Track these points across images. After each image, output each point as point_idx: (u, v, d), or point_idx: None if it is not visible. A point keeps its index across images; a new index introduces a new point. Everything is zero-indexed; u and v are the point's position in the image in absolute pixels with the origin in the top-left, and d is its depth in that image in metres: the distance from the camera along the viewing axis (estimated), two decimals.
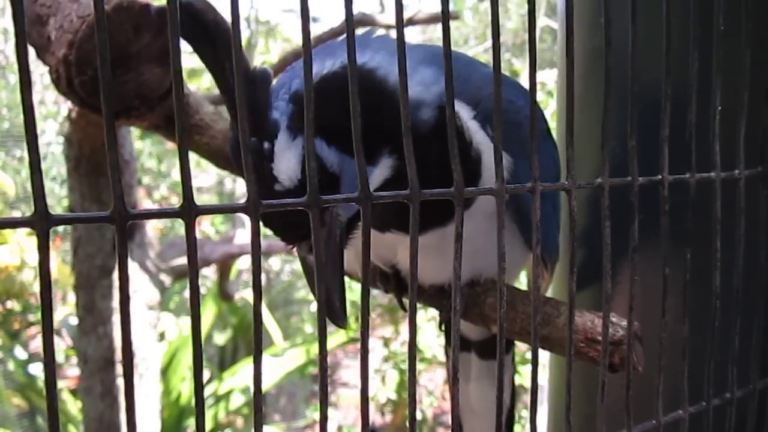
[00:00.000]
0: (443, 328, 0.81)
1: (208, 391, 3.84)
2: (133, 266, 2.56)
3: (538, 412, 0.43)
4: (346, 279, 0.68)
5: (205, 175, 6.19)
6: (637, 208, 0.47)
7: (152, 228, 4.96)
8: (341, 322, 0.61)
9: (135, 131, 3.93)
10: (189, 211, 0.31)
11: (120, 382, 2.57)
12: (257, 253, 0.32)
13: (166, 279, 2.76)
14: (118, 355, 2.56)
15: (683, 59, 0.50)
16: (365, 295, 0.36)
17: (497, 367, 0.40)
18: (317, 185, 0.34)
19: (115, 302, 2.51)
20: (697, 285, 0.52)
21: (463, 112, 0.65)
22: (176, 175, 5.56)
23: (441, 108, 0.63)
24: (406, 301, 0.79)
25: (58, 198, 4.83)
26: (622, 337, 0.59)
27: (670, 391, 0.52)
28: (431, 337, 4.02)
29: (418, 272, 0.74)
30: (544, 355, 0.85)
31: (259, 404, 0.34)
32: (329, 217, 0.61)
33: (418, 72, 0.63)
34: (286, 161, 0.60)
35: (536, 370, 0.42)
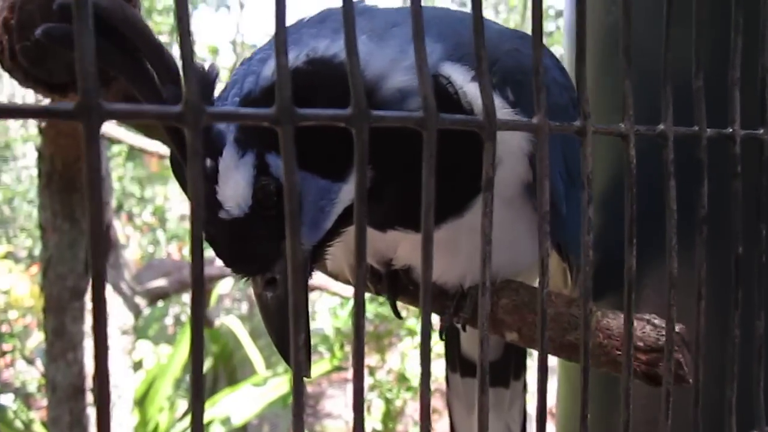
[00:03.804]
0: (443, 337, 0.70)
1: (185, 423, 3.68)
2: (106, 288, 2.43)
3: None
4: (335, 288, 0.58)
5: (188, 203, 6.06)
6: (698, 167, 0.37)
7: (134, 250, 4.81)
8: (306, 368, 0.51)
9: (114, 149, 3.81)
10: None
11: (90, 411, 2.43)
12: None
13: (141, 302, 2.62)
14: (89, 382, 2.42)
15: None
16: (360, 264, 0.25)
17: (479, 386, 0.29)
18: (290, 99, 0.23)
19: (87, 326, 2.38)
20: None
21: (457, 76, 0.53)
22: (160, 200, 5.44)
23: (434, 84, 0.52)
24: (399, 305, 0.67)
25: (36, 221, 4.69)
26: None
27: (738, 406, 0.41)
28: (419, 365, 3.89)
29: (419, 271, 0.65)
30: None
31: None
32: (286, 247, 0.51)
33: (408, 55, 0.52)
34: (233, 184, 0.50)
35: (544, 386, 0.31)
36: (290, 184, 0.23)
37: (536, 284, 0.63)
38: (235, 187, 0.50)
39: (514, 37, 0.57)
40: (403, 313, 3.67)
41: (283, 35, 0.23)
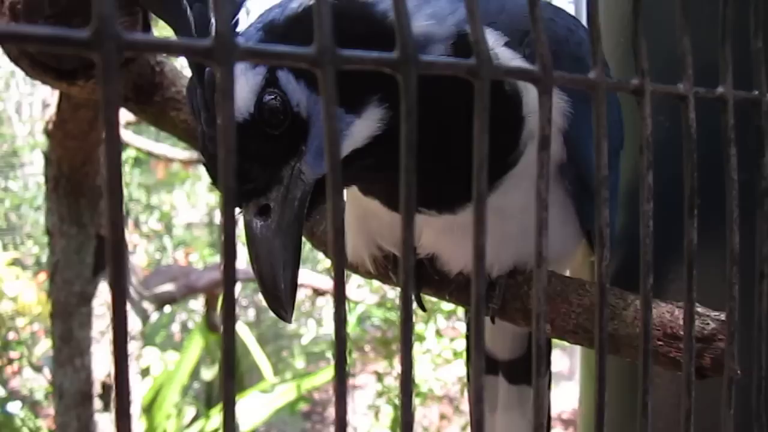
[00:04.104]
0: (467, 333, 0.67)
1: (193, 430, 3.65)
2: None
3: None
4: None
5: (195, 210, 6.05)
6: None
7: (141, 257, 4.80)
8: (284, 310, 0.47)
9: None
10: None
11: (98, 417, 2.40)
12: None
13: (149, 307, 2.60)
14: (97, 388, 2.39)
15: None
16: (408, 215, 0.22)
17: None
18: (331, 37, 0.21)
19: (94, 331, 2.35)
20: None
21: (492, 38, 0.51)
22: (166, 207, 5.42)
23: (457, 38, 0.49)
24: (423, 298, 0.64)
25: (43, 228, 4.67)
26: (715, 331, 0.45)
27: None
28: (427, 371, 3.84)
29: (444, 258, 0.62)
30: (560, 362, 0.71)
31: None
32: (288, 174, 0.47)
33: (430, 4, 0.50)
34: (239, 89, 0.47)
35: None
36: (330, 130, 0.20)
37: (568, 273, 0.60)
38: (239, 93, 0.47)
39: (548, 8, 0.54)
40: (414, 318, 3.66)
41: None
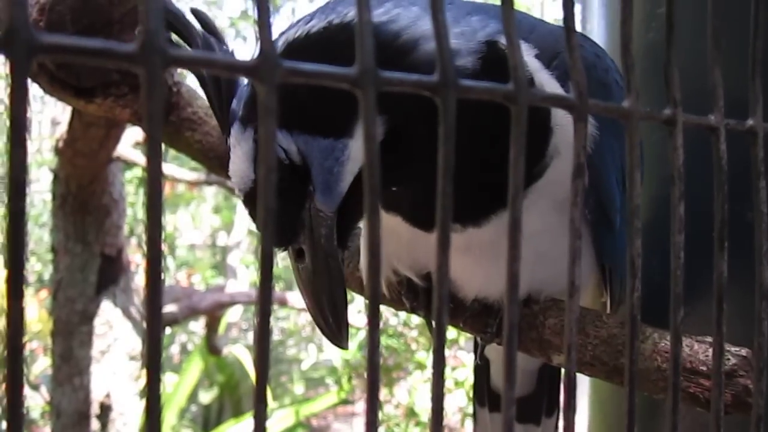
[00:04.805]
0: (480, 361, 0.66)
1: None
2: (115, 312, 2.40)
3: None
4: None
5: (198, 231, 6.06)
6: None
7: (143, 277, 4.80)
8: (337, 342, 0.50)
9: (127, 175, 3.81)
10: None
11: None
12: None
13: None
14: (95, 408, 2.37)
15: None
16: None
17: None
18: (373, 59, 0.20)
19: (95, 351, 2.34)
20: None
21: (523, 47, 0.51)
22: (169, 227, 5.43)
23: (485, 48, 0.49)
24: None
25: (46, 245, 4.67)
26: (735, 367, 0.44)
27: None
28: (428, 400, 3.80)
29: (458, 283, 0.61)
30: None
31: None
32: (307, 216, 0.49)
33: (460, 23, 0.50)
34: (237, 160, 0.50)
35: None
36: (370, 155, 0.20)
37: (584, 304, 0.59)
38: (238, 163, 0.49)
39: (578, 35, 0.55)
40: (415, 345, 3.60)
41: None
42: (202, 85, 0.49)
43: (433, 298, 0.23)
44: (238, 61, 0.19)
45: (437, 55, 0.22)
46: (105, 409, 2.40)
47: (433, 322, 0.23)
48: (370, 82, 0.20)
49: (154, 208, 0.17)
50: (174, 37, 0.51)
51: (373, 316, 0.22)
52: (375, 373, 0.21)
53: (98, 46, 0.17)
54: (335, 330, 0.50)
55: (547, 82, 0.50)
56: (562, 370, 0.57)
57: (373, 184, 0.20)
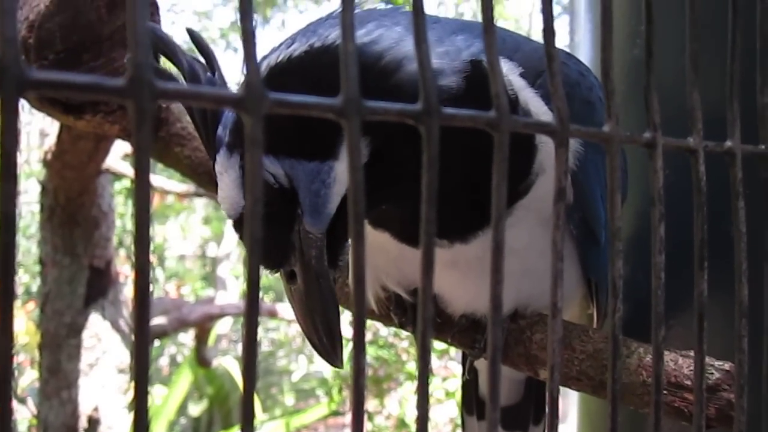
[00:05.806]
0: (470, 375, 0.66)
1: None
2: (104, 325, 2.38)
3: None
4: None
5: (187, 242, 6.04)
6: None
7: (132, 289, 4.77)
8: (331, 360, 0.51)
9: (116, 186, 3.80)
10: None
11: None
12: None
13: None
14: (83, 422, 2.35)
15: None
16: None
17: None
18: (357, 89, 0.21)
19: (83, 364, 2.32)
20: None
21: (507, 66, 0.51)
22: (159, 238, 5.41)
23: (470, 67, 0.50)
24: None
25: (35, 257, 4.64)
26: (719, 381, 0.45)
27: None
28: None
29: (446, 298, 0.61)
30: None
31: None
32: (297, 238, 0.50)
33: (444, 43, 0.51)
34: (226, 187, 0.50)
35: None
36: (355, 183, 0.21)
37: (570, 318, 0.60)
38: (227, 190, 0.50)
39: (560, 53, 0.55)
40: (406, 356, 3.59)
41: (349, 18, 0.21)
42: (188, 111, 0.49)
43: (417, 319, 0.23)
44: (225, 94, 0.19)
45: (420, 84, 0.22)
46: (93, 423, 2.38)
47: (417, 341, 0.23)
48: (354, 112, 0.21)
49: (142, 222, 0.17)
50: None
51: (359, 340, 0.22)
52: (360, 396, 0.21)
53: (87, 81, 0.18)
54: (330, 349, 0.50)
55: (532, 101, 0.50)
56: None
57: (357, 212, 0.21)
